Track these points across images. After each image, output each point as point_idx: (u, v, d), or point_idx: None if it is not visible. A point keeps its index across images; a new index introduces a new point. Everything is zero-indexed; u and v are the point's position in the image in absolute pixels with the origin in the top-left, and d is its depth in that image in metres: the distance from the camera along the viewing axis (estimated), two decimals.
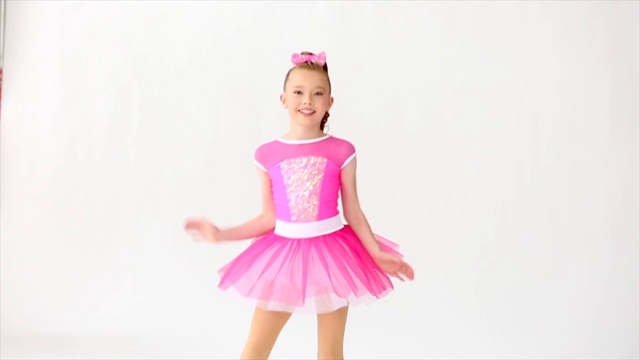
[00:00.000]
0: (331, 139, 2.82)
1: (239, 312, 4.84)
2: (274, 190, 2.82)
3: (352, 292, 2.65)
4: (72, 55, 5.12)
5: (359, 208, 2.82)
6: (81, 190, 5.09)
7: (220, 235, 2.81)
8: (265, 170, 2.82)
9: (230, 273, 2.77)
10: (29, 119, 5.15)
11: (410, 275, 2.74)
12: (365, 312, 4.29)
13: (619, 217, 4.71)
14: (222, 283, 2.79)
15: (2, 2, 5.10)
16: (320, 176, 2.76)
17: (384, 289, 2.75)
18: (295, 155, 2.77)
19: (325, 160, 2.77)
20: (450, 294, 4.75)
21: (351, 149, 2.80)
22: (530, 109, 4.82)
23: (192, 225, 2.81)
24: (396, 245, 2.87)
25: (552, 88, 4.81)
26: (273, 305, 2.66)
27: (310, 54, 2.84)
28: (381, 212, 4.83)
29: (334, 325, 2.77)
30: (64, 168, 5.10)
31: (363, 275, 2.70)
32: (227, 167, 5.00)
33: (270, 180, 2.83)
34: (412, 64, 4.91)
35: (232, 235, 2.85)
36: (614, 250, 4.69)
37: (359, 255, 2.75)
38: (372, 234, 2.79)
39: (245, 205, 5.06)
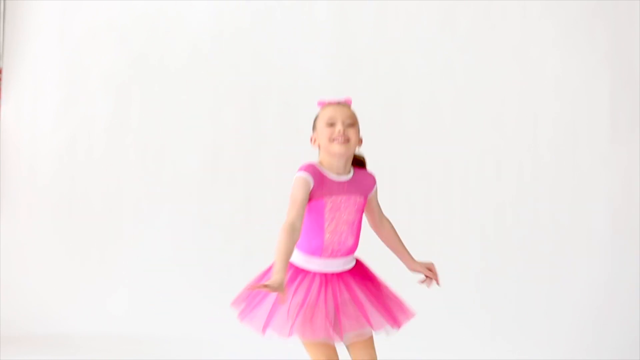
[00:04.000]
0: (357, 171, 2.86)
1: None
2: (308, 222, 2.78)
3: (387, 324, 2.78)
4: (72, 55, 5.12)
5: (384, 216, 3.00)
6: (81, 190, 5.09)
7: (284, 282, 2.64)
8: (312, 186, 2.75)
9: (255, 312, 2.74)
10: (29, 119, 5.15)
11: (437, 281, 2.98)
12: None
13: (619, 217, 4.71)
14: (249, 320, 2.76)
15: (2, 2, 5.10)
16: (358, 216, 2.82)
17: (407, 316, 2.86)
18: (337, 192, 2.77)
19: (362, 199, 2.83)
20: (449, 293, 4.74)
21: (374, 180, 2.91)
22: (530, 109, 4.82)
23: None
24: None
25: (552, 88, 4.81)
26: (317, 336, 2.69)
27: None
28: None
29: (372, 349, 2.84)
30: (64, 168, 5.10)
31: (387, 306, 2.82)
32: (227, 167, 5.00)
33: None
34: (412, 64, 4.90)
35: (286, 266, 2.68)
36: (614, 250, 4.69)
37: (379, 286, 2.86)
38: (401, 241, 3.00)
39: (245, 205, 5.09)
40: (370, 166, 4.84)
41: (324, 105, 2.86)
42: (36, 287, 4.98)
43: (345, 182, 2.81)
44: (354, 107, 2.92)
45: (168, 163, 5.05)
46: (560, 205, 4.77)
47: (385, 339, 4.56)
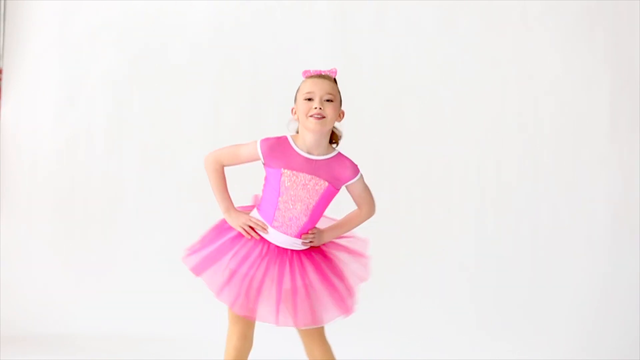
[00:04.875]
0: (338, 157, 2.82)
1: None
2: (266, 189, 2.82)
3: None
4: (72, 55, 5.13)
5: (373, 208, 2.93)
6: (81, 190, 5.09)
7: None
8: (261, 161, 2.80)
9: (211, 267, 2.78)
10: (29, 119, 5.15)
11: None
12: (360, 312, 4.30)
13: (619, 217, 4.71)
14: (200, 272, 2.80)
15: (2, 2, 5.10)
16: (316, 198, 2.78)
17: (346, 310, 2.81)
18: (300, 168, 2.76)
19: (326, 184, 2.78)
20: (448, 293, 4.75)
21: (355, 171, 2.84)
22: (530, 109, 4.82)
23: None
24: (365, 257, 2.91)
25: (552, 88, 4.81)
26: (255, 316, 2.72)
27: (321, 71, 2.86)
28: (380, 211, 4.83)
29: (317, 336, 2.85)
30: (64, 168, 5.10)
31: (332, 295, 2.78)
32: (226, 167, 5.00)
33: (267, 174, 2.82)
34: (412, 64, 4.90)
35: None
36: (613, 250, 4.69)
37: (325, 274, 2.81)
38: (357, 224, 2.90)
39: (245, 204, 5.08)
40: (370, 166, 4.86)
41: (307, 77, 2.83)
42: (36, 287, 4.98)
43: (315, 160, 2.78)
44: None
45: (168, 162, 5.05)
46: (560, 205, 4.77)
47: (377, 338, 4.57)
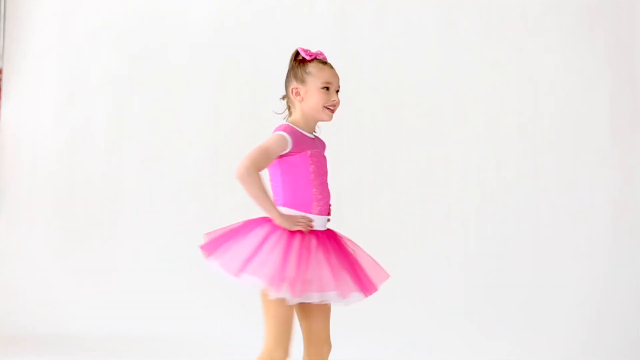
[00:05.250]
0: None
1: (239, 312, 4.85)
2: (291, 179, 2.74)
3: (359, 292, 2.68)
4: (72, 55, 5.13)
5: None
6: (81, 190, 5.09)
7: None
8: (288, 150, 2.71)
9: (255, 265, 2.64)
10: (29, 119, 5.15)
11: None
12: (359, 313, 4.30)
13: (619, 217, 4.71)
14: (241, 271, 2.64)
15: (2, 2, 5.11)
16: (327, 170, 2.81)
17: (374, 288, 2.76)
18: (314, 147, 2.77)
19: (326, 157, 2.84)
20: (447, 294, 4.75)
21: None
22: (531, 109, 4.82)
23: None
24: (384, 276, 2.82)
25: (552, 88, 4.81)
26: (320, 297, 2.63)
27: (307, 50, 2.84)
28: (380, 211, 4.83)
29: (329, 311, 2.78)
30: (63, 168, 5.11)
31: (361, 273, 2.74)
32: (226, 167, 4.99)
33: (284, 164, 2.75)
34: (412, 63, 4.91)
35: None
36: (613, 250, 4.69)
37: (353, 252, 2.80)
38: None
39: (246, 204, 5.08)
40: (370, 166, 4.87)
41: (311, 56, 2.79)
42: (36, 287, 4.99)
43: (314, 138, 2.80)
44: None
45: (168, 163, 5.05)
46: (560, 205, 4.76)
47: (373, 339, 4.57)
